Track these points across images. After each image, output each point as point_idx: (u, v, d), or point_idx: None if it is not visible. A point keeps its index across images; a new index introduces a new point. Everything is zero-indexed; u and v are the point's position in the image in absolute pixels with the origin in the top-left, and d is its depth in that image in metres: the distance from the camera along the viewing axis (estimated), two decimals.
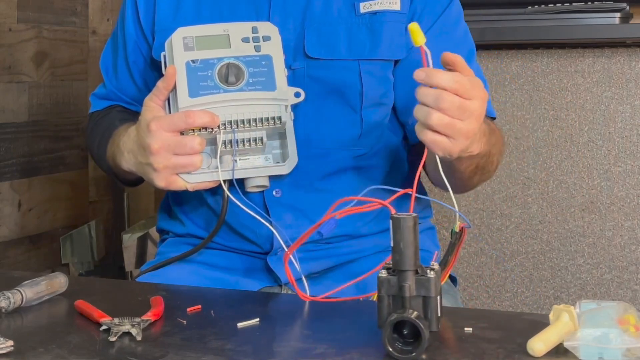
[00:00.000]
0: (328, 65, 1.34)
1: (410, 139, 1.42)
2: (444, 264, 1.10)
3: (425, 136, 1.10)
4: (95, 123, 1.51)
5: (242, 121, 1.24)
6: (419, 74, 1.08)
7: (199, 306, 1.12)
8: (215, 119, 1.22)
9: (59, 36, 2.58)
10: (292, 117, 1.27)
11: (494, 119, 1.42)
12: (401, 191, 1.04)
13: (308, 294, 1.14)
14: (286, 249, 1.19)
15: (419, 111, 1.09)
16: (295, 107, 1.28)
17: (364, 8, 1.35)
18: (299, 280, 1.25)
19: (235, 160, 1.25)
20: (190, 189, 1.25)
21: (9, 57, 2.39)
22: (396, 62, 1.38)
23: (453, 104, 1.08)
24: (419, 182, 1.50)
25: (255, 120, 1.24)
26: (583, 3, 2.17)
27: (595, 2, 2.16)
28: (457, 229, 1.07)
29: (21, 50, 2.43)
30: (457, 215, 1.06)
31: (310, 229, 1.05)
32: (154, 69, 1.43)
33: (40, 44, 2.50)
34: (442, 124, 1.09)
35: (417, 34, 1.06)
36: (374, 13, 1.35)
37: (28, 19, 2.45)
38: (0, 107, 2.36)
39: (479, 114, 1.11)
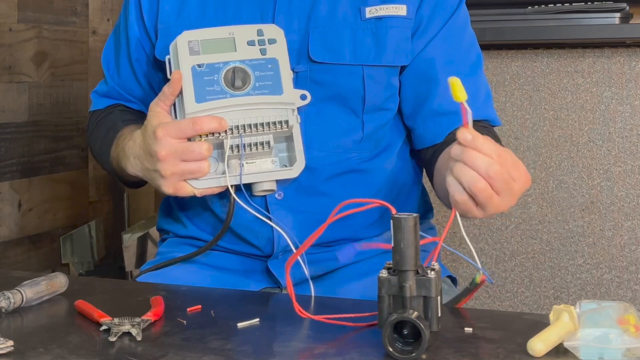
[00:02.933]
0: (331, 69, 1.34)
1: (416, 144, 1.42)
2: (455, 301, 1.12)
3: (460, 197, 1.06)
4: (96, 123, 1.50)
5: (249, 126, 1.23)
6: (464, 136, 1.03)
7: (199, 306, 1.12)
8: (223, 123, 1.21)
9: (59, 36, 2.58)
10: (299, 121, 1.27)
11: (494, 126, 1.42)
12: (429, 239, 1.03)
13: (313, 295, 1.14)
14: (294, 249, 1.19)
15: (465, 174, 1.05)
16: (297, 110, 1.28)
17: (369, 13, 1.34)
18: (305, 282, 1.25)
19: (242, 165, 1.25)
20: (199, 195, 1.24)
21: (9, 57, 2.39)
22: (402, 68, 1.37)
23: (501, 176, 1.04)
24: (422, 185, 1.50)
25: (262, 124, 1.23)
26: (583, 3, 2.17)
27: (595, 2, 2.16)
28: (477, 281, 1.06)
29: (21, 50, 2.43)
30: (481, 268, 1.06)
31: (313, 235, 1.03)
32: (157, 69, 1.43)
33: (40, 44, 2.50)
34: (484, 195, 1.05)
35: (459, 90, 1.01)
36: (380, 18, 1.34)
37: (28, 19, 2.45)
38: (0, 107, 2.36)
39: (517, 195, 1.08)
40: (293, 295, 1.06)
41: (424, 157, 1.41)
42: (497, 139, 1.35)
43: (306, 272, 1.22)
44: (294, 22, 1.34)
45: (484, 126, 1.38)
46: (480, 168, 1.04)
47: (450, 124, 1.34)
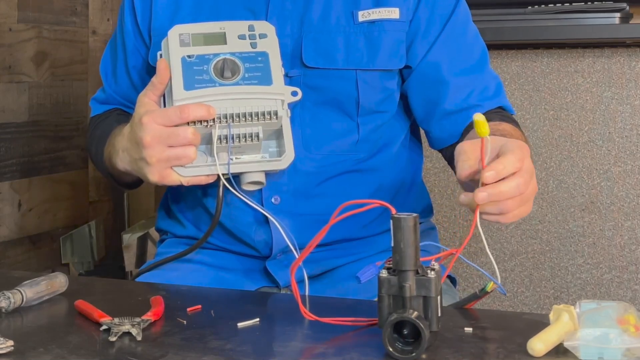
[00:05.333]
0: (325, 74, 1.33)
1: (435, 146, 1.42)
2: (460, 305, 1.13)
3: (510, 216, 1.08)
4: (94, 127, 1.51)
5: (238, 115, 1.22)
6: (489, 177, 1.03)
7: (199, 306, 1.12)
8: (211, 110, 1.19)
9: (59, 36, 2.58)
10: (289, 114, 1.26)
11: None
12: (448, 251, 1.03)
13: (310, 295, 1.13)
14: (295, 252, 1.18)
15: (508, 207, 1.06)
16: (292, 114, 1.27)
17: (362, 17, 1.34)
18: (302, 281, 1.25)
19: (231, 159, 1.24)
20: (185, 184, 1.22)
21: (9, 57, 2.39)
22: (402, 72, 1.37)
23: (528, 186, 1.06)
24: (422, 184, 1.51)
25: (251, 114, 1.22)
26: (583, 3, 2.17)
27: (595, 2, 2.16)
28: (488, 289, 1.08)
29: (21, 50, 2.43)
30: (496, 278, 1.08)
31: (315, 239, 1.02)
32: (153, 74, 1.42)
33: (40, 44, 2.50)
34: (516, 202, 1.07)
35: (483, 126, 1.01)
36: (372, 22, 1.34)
37: (28, 19, 2.45)
38: (0, 107, 2.36)
39: (531, 199, 1.11)
40: (299, 298, 1.05)
41: (446, 156, 1.41)
42: (512, 121, 1.34)
43: (304, 272, 1.22)
44: (286, 27, 1.34)
45: (498, 112, 1.37)
46: (514, 193, 1.04)
47: (464, 119, 1.35)
